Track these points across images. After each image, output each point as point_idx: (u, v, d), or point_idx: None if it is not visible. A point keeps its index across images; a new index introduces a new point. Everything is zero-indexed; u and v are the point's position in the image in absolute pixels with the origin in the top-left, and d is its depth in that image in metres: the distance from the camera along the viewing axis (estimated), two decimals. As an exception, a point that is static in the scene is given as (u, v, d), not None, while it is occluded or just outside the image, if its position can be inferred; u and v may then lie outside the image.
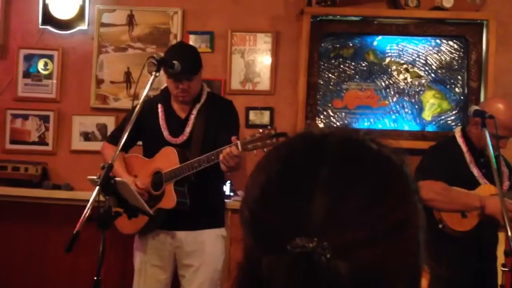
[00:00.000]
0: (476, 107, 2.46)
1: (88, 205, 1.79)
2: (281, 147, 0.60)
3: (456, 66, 3.34)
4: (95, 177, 2.00)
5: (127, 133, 2.12)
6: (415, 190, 0.57)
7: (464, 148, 2.60)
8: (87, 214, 1.77)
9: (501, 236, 2.56)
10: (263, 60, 3.44)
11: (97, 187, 1.90)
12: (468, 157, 2.58)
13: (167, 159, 2.48)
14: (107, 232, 1.93)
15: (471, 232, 2.50)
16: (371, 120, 3.38)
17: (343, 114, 3.39)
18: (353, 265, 0.50)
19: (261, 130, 2.26)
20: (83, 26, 3.51)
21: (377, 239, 0.51)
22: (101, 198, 1.91)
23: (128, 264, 2.68)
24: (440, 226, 2.53)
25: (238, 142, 2.26)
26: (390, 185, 0.55)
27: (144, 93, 2.23)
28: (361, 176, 0.54)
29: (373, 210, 0.52)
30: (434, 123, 3.34)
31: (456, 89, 3.34)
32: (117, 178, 2.05)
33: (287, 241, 0.50)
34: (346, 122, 3.38)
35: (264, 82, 3.44)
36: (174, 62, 2.35)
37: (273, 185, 0.55)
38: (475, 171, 2.56)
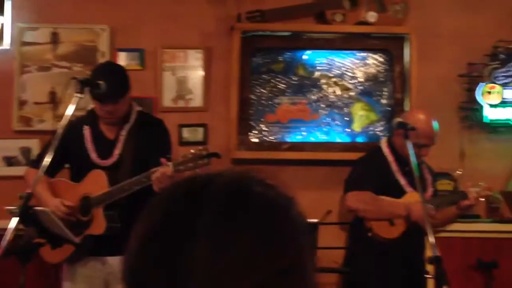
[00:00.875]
0: (399, 119, 2.56)
1: (5, 238, 1.69)
2: (162, 196, 0.57)
3: (382, 79, 3.46)
4: (14, 207, 1.89)
5: (49, 157, 2.03)
6: (302, 232, 0.56)
7: (390, 157, 2.70)
8: (4, 248, 1.67)
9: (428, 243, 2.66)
10: (195, 77, 3.42)
11: (15, 218, 1.79)
12: (394, 166, 2.68)
13: (96, 183, 2.40)
14: (33, 262, 1.82)
15: (398, 239, 2.60)
16: (304, 133, 3.43)
17: (276, 128, 3.42)
18: None
19: (192, 151, 2.23)
20: (4, 46, 3.36)
21: None
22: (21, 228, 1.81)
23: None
24: (370, 234, 2.61)
25: (170, 164, 2.22)
26: (273, 232, 0.53)
27: (68, 115, 2.15)
28: (242, 225, 0.53)
29: (255, 259, 0.51)
30: (363, 134, 3.44)
31: (383, 101, 3.46)
32: (37, 208, 1.95)
33: None
34: (279, 136, 3.41)
35: (196, 98, 3.42)
36: (100, 82, 2.28)
37: (152, 237, 0.53)
38: (401, 180, 2.66)
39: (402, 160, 2.64)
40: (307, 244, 0.56)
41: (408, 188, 2.64)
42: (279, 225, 0.55)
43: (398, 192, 2.65)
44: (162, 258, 0.52)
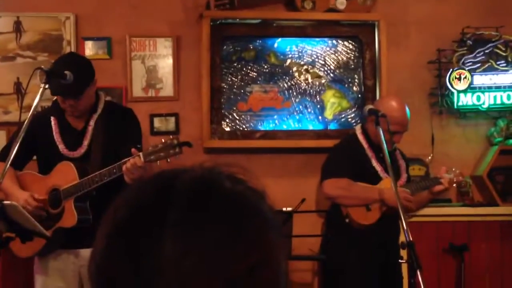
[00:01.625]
0: (370, 106, 2.58)
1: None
2: (128, 191, 0.56)
3: (352, 66, 3.47)
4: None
5: (15, 150, 1.98)
6: (272, 226, 0.55)
7: (365, 144, 2.72)
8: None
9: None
10: (165, 66, 3.36)
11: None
12: (369, 153, 2.71)
13: (65, 175, 2.35)
14: (4, 256, 1.77)
15: (375, 225, 2.63)
16: (276, 121, 3.42)
17: (248, 117, 3.40)
18: None
19: (163, 140, 2.20)
20: (-37, 35, 3.24)
21: (232, 285, 0.49)
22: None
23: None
24: (347, 220, 2.63)
25: (141, 154, 2.18)
26: (242, 228, 0.52)
27: (34, 106, 2.09)
28: (210, 221, 0.51)
29: (224, 255, 0.50)
30: (335, 121, 3.45)
31: (354, 88, 3.47)
32: (5, 201, 1.90)
33: None
34: (251, 124, 3.39)
35: (167, 87, 3.36)
36: (66, 72, 2.21)
37: (119, 234, 0.52)
38: (377, 166, 2.69)
39: (377, 147, 2.66)
40: (278, 239, 0.55)
41: (383, 174, 2.67)
42: (248, 220, 0.53)
43: (374, 178, 2.68)
44: (130, 258, 0.50)
